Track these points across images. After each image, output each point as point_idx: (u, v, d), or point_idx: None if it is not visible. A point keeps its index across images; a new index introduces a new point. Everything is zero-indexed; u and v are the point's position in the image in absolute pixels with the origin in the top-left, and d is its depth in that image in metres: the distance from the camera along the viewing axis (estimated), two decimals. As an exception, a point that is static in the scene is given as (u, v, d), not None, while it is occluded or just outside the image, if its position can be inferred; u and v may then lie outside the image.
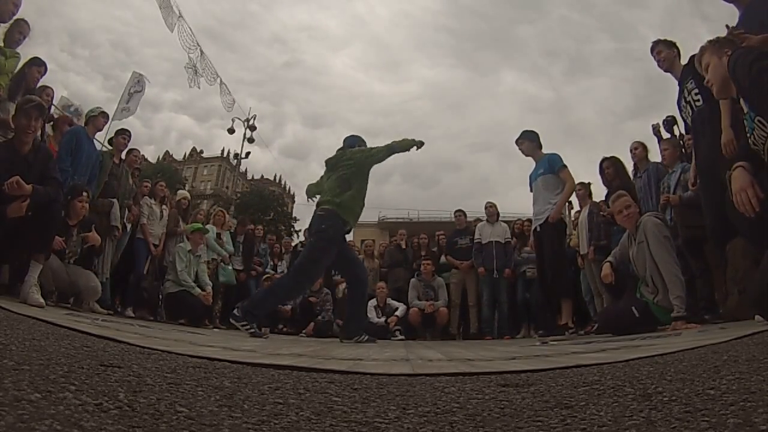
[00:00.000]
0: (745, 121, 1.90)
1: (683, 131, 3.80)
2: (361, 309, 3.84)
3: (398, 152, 3.55)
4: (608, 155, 4.37)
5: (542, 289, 4.27)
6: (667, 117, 4.27)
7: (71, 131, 4.24)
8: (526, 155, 4.38)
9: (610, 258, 3.29)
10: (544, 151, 4.38)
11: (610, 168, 4.25)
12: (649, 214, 3.09)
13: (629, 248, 3.09)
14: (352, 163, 3.53)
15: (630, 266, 3.10)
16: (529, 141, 4.35)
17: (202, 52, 12.37)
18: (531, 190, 4.36)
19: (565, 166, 4.19)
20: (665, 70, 3.22)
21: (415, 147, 3.54)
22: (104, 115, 4.53)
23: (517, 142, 4.41)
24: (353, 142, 3.79)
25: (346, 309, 3.85)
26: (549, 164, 4.20)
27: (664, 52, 3.21)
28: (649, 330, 2.79)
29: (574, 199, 4.92)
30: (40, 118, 2.94)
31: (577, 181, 4.44)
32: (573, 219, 5.39)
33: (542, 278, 4.21)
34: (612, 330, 3.05)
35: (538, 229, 4.17)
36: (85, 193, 3.69)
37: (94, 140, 4.56)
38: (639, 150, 4.27)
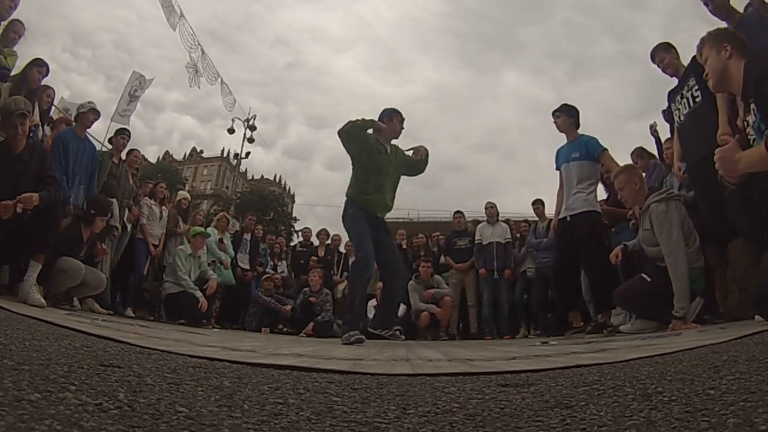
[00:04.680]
0: (750, 127, 1.89)
1: (666, 120, 3.74)
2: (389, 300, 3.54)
3: (358, 128, 3.29)
4: None
5: (559, 284, 3.93)
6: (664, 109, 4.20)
7: (56, 137, 4.14)
8: (561, 131, 3.99)
9: (629, 243, 3.24)
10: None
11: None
12: (654, 196, 2.95)
13: (643, 230, 3.03)
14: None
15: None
16: (567, 116, 3.95)
17: (203, 51, 12.41)
18: (557, 168, 4.02)
19: (606, 149, 3.75)
20: (671, 75, 3.19)
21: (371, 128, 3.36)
22: (94, 112, 4.35)
23: (554, 114, 4.03)
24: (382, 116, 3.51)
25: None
26: (587, 149, 3.77)
27: (667, 58, 3.19)
28: (667, 299, 2.71)
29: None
30: (27, 120, 2.94)
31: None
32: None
33: (560, 273, 3.84)
34: (629, 305, 2.98)
35: (568, 218, 3.74)
36: (109, 215, 3.80)
37: (87, 136, 4.40)
38: (635, 156, 4.31)
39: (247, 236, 6.30)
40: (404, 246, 6.65)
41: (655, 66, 3.30)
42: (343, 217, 3.38)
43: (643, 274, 2.92)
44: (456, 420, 0.66)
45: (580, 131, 3.97)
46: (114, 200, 4.48)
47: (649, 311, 2.90)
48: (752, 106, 1.86)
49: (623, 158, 4.53)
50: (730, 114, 2.47)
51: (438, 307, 5.45)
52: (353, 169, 3.42)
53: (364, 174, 3.33)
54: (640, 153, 4.33)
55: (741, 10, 2.93)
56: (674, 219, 2.78)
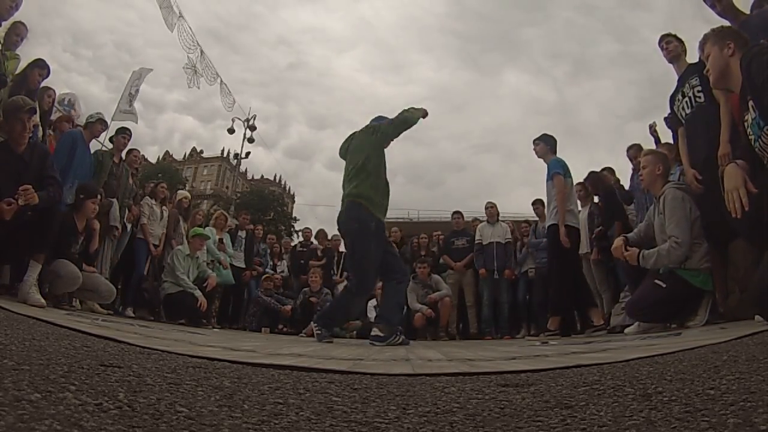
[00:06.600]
0: (749, 125, 1.89)
1: (668, 125, 3.79)
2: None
3: (408, 126, 3.24)
4: (593, 170, 4.67)
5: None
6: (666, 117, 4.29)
7: (69, 134, 4.19)
8: (539, 157, 4.35)
9: (629, 234, 3.19)
10: (559, 155, 4.33)
11: (588, 181, 4.63)
12: (671, 184, 2.99)
13: (654, 218, 3.00)
14: (368, 149, 3.22)
15: (653, 242, 2.96)
16: (543, 144, 4.32)
17: (202, 52, 12.43)
18: None
19: (557, 173, 4.10)
20: (669, 61, 3.31)
21: (421, 117, 3.30)
22: (102, 123, 4.49)
23: (534, 141, 4.39)
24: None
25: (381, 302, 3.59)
26: (548, 171, 4.20)
27: (674, 43, 3.32)
28: (686, 302, 2.70)
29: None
30: (33, 118, 2.94)
31: (577, 182, 4.46)
32: None
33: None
34: (647, 316, 2.87)
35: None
36: (98, 196, 3.75)
37: (89, 146, 4.46)
38: (632, 151, 4.45)
39: (242, 233, 6.27)
40: (400, 245, 6.63)
41: (660, 48, 3.38)
42: (359, 229, 3.09)
43: (656, 280, 2.83)
44: (456, 420, 0.66)
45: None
46: (114, 200, 4.48)
47: (667, 319, 2.83)
48: (750, 103, 1.86)
49: (623, 158, 4.60)
50: (732, 127, 2.47)
51: (438, 308, 5.44)
52: (367, 167, 3.17)
53: (382, 175, 3.21)
54: (637, 149, 4.40)
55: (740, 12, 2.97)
56: (686, 208, 2.79)
